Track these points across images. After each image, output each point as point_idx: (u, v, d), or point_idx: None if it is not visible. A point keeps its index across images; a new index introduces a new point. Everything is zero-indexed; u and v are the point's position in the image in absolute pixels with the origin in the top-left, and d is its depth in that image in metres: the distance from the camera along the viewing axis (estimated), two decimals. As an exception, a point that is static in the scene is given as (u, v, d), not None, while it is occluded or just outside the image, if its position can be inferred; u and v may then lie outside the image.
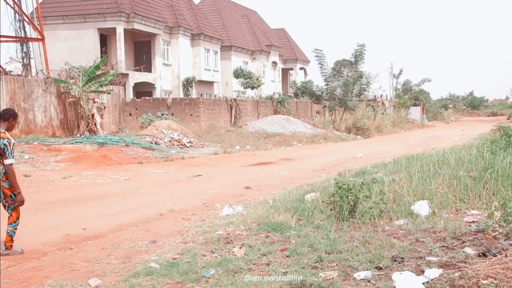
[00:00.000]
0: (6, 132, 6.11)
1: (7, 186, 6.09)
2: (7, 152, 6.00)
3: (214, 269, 5.06)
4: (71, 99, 21.69)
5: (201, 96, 35.61)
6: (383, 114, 40.73)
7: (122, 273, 5.30)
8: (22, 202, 6.19)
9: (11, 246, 6.16)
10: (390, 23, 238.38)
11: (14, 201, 6.11)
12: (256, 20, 51.38)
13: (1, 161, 6.03)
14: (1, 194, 6.11)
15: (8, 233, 6.16)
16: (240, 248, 5.70)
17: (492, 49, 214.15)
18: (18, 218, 6.20)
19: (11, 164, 6.05)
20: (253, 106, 32.82)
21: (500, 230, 5.15)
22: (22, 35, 25.08)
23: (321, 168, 15.12)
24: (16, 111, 7.46)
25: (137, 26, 29.50)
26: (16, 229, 6.20)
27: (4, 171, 6.05)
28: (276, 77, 49.65)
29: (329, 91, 34.27)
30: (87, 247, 6.54)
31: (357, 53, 32.74)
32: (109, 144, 18.91)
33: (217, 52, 39.58)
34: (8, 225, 6.15)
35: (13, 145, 6.08)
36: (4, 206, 6.21)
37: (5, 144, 5.99)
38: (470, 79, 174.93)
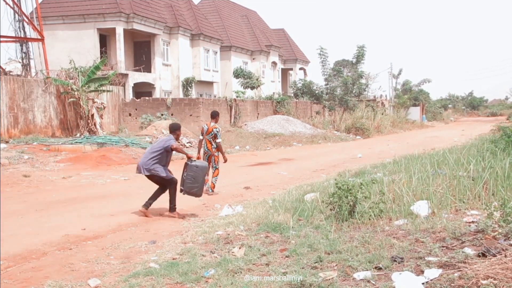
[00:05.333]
0: (216, 124, 10.64)
1: (217, 154, 10.63)
2: (218, 135, 10.54)
3: (213, 269, 5.06)
4: (71, 99, 21.66)
5: (200, 96, 35.60)
6: (382, 114, 40.75)
7: (121, 273, 5.30)
8: (225, 161, 10.79)
9: (213, 189, 10.54)
10: (390, 23, 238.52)
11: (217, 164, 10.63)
12: (255, 20, 51.36)
13: (214, 140, 10.48)
14: (212, 159, 10.55)
15: (212, 182, 10.54)
16: (239, 248, 5.70)
17: (492, 49, 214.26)
18: (218, 174, 10.67)
19: (220, 142, 10.62)
20: (253, 106, 32.81)
21: (500, 230, 5.15)
22: (22, 35, 25.07)
23: (321, 168, 15.13)
24: (218, 111, 11.45)
25: (136, 26, 29.49)
26: (217, 180, 10.63)
27: (215, 146, 10.52)
28: (276, 77, 49.63)
29: (329, 90, 34.31)
30: (87, 247, 6.54)
31: (358, 54, 32.84)
32: (108, 144, 18.89)
33: (216, 52, 39.58)
34: (212, 177, 10.52)
35: (220, 131, 10.68)
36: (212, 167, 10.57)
37: (217, 131, 10.54)
38: (470, 79, 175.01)
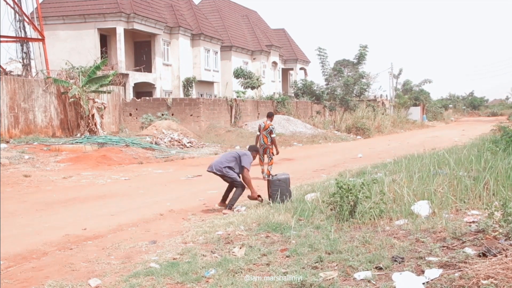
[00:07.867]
0: (270, 122, 12.88)
1: (271, 147, 12.81)
2: (273, 131, 12.82)
3: (214, 269, 5.05)
4: (71, 99, 21.67)
5: (201, 96, 35.60)
6: (383, 114, 40.75)
7: (122, 273, 5.29)
8: (278, 153, 13.22)
9: (269, 175, 11.17)
10: (390, 23, 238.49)
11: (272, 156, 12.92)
12: (256, 20, 51.36)
13: (270, 135, 12.75)
14: (268, 151, 12.77)
15: (268, 169, 12.56)
16: (240, 248, 5.70)
17: (492, 49, 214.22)
18: (273, 163, 12.94)
19: (275, 136, 12.89)
20: (253, 106, 32.81)
21: (500, 230, 5.14)
22: (22, 35, 25.07)
23: (321, 168, 15.11)
24: (273, 112, 14.36)
25: (137, 26, 29.49)
26: (272, 168, 12.67)
27: (270, 140, 12.78)
28: (276, 77, 49.62)
29: (329, 90, 34.30)
30: (87, 247, 6.54)
31: (360, 55, 32.83)
32: (109, 144, 18.90)
33: (217, 52, 39.57)
34: (268, 165, 12.67)
35: (275, 128, 13.10)
36: (262, 160, 12.96)
37: (272, 128, 12.82)
38: (470, 79, 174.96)
